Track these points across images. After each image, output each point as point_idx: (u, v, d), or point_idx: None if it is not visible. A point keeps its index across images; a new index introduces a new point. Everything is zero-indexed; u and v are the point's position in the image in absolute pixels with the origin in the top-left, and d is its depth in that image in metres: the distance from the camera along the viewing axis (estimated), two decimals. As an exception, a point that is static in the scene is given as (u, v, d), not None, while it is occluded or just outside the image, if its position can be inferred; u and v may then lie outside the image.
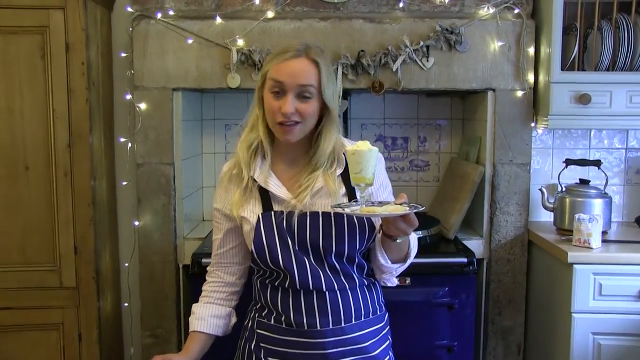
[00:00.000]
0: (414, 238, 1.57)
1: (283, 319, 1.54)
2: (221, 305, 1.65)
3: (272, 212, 1.53)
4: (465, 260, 2.34)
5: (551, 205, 2.53)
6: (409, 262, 1.58)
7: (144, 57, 2.43)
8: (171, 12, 2.44)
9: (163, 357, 1.50)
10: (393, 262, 1.55)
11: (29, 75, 2.30)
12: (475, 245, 2.53)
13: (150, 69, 2.44)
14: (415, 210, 1.38)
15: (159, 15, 2.42)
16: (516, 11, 2.45)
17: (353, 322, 1.53)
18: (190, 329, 1.62)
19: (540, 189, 2.58)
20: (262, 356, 1.56)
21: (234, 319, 1.67)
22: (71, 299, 2.40)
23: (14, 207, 2.35)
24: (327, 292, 1.50)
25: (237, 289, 1.68)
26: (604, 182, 2.52)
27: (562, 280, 2.28)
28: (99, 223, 2.45)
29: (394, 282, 1.63)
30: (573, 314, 2.22)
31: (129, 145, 2.55)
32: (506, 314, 2.57)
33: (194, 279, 2.37)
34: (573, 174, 2.64)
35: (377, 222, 1.54)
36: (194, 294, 2.38)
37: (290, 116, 1.49)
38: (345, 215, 1.49)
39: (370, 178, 1.42)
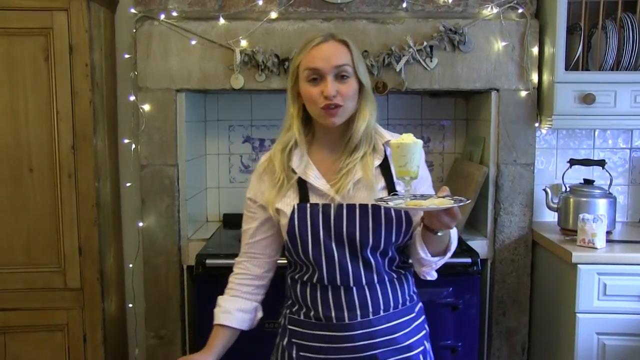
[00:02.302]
0: (454, 231, 1.55)
1: (312, 314, 1.55)
2: (248, 300, 1.64)
3: (308, 204, 1.53)
4: (469, 260, 2.34)
5: (555, 206, 2.53)
6: (449, 255, 1.56)
7: (147, 59, 2.44)
8: (174, 14, 2.44)
9: (185, 358, 1.51)
10: (433, 255, 1.54)
11: (32, 77, 2.30)
12: (479, 245, 2.52)
13: (153, 71, 2.44)
14: (460, 204, 1.37)
15: (162, 17, 2.42)
16: (520, 11, 2.45)
17: (381, 314, 1.53)
18: (216, 322, 1.61)
19: (545, 189, 2.57)
20: (294, 352, 1.58)
21: (259, 314, 1.66)
22: (76, 300, 2.41)
23: (19, 208, 2.35)
24: (354, 288, 1.51)
25: (263, 282, 1.67)
26: (609, 182, 2.52)
27: (566, 281, 2.28)
28: (103, 224, 2.45)
29: (433, 275, 1.62)
30: (577, 314, 2.22)
31: (133, 146, 2.55)
32: (510, 315, 2.57)
33: (198, 280, 2.37)
34: (577, 174, 2.64)
35: (417, 216, 1.53)
36: (198, 295, 2.40)
37: (333, 98, 1.49)
38: (382, 208, 1.49)
39: (415, 171, 1.41)
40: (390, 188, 1.55)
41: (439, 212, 1.38)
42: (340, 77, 1.52)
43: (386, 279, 1.55)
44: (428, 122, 2.94)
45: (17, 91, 2.31)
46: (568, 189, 2.54)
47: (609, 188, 2.50)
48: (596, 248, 2.23)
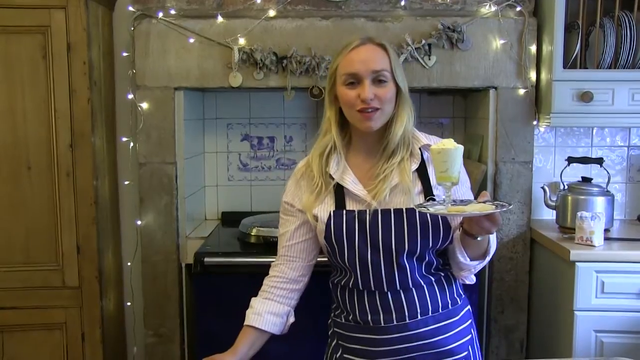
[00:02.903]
0: (493, 234, 1.54)
1: (351, 317, 1.56)
2: (280, 303, 1.61)
3: (344, 211, 1.53)
4: (467, 258, 2.34)
5: (553, 203, 2.53)
6: (488, 259, 1.56)
7: (145, 57, 2.43)
8: (173, 12, 2.44)
9: (209, 358, 1.50)
10: (472, 260, 1.54)
11: (30, 75, 2.30)
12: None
13: (152, 69, 2.44)
14: (502, 210, 1.36)
15: (161, 15, 2.42)
16: (518, 9, 2.45)
17: (419, 317, 1.52)
18: (245, 323, 1.59)
19: (543, 187, 2.58)
20: (339, 353, 1.59)
21: (291, 319, 1.64)
22: (74, 299, 2.41)
23: (17, 207, 2.35)
24: (389, 292, 1.51)
25: (298, 287, 1.64)
26: (607, 180, 2.52)
27: (564, 278, 2.28)
28: (101, 223, 2.45)
29: (472, 279, 1.61)
30: (575, 312, 2.22)
31: (131, 144, 2.55)
32: (509, 312, 2.57)
33: (196, 278, 2.37)
34: (575, 172, 2.64)
35: (455, 221, 1.52)
36: (197, 293, 2.40)
37: (370, 102, 1.49)
38: (417, 213, 1.48)
39: (456, 177, 1.40)
40: (427, 192, 1.54)
41: (480, 218, 1.37)
42: (378, 81, 1.51)
43: (422, 282, 1.53)
44: (426, 120, 2.93)
45: (15, 89, 2.30)
46: (566, 187, 2.54)
47: (607, 186, 2.50)
48: (594, 246, 2.23)
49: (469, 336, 1.60)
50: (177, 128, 2.49)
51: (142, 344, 2.61)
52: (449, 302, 1.57)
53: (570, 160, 2.61)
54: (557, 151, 2.82)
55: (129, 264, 2.65)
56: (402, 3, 2.45)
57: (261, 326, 1.57)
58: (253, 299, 1.63)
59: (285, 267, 1.63)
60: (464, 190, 1.61)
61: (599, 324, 2.22)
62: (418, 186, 1.55)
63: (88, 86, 2.32)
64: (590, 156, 2.75)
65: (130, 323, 2.74)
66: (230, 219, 2.88)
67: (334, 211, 1.53)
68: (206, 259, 2.32)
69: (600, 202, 2.42)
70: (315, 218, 1.56)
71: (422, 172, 1.56)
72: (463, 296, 1.64)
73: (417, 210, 1.46)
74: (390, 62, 1.53)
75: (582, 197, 2.44)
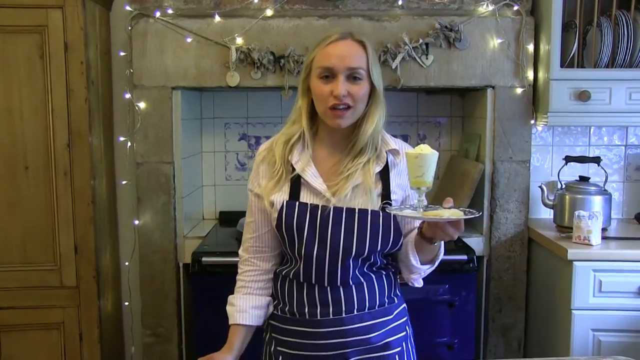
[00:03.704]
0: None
1: (287, 308, 1.56)
2: (260, 295, 1.62)
3: (297, 202, 1.52)
4: (465, 257, 2.35)
5: (551, 203, 2.53)
6: (437, 263, 1.57)
7: (143, 56, 2.43)
8: (170, 11, 2.43)
9: (206, 358, 1.50)
10: (423, 264, 1.55)
11: (28, 74, 2.30)
12: (476, 242, 2.53)
13: (149, 68, 2.44)
14: (472, 217, 1.38)
15: (158, 14, 2.42)
16: (515, 8, 2.45)
17: (355, 313, 1.52)
18: (232, 322, 1.59)
19: (540, 186, 2.58)
20: (273, 346, 1.59)
21: (271, 308, 1.64)
22: (72, 299, 2.41)
23: (14, 206, 2.35)
24: (328, 287, 1.51)
25: (272, 276, 1.64)
26: (604, 179, 2.52)
27: (562, 277, 2.29)
28: (99, 222, 2.45)
29: (420, 282, 1.62)
30: (573, 311, 2.23)
31: (129, 144, 2.55)
32: (506, 311, 2.58)
33: (194, 277, 2.37)
34: (573, 171, 2.64)
35: (411, 225, 1.54)
36: (194, 293, 2.40)
37: (343, 98, 1.48)
38: (369, 216, 1.49)
39: (430, 182, 1.42)
40: (386, 196, 1.54)
41: (445, 224, 1.38)
42: (353, 78, 1.50)
43: (363, 280, 1.54)
44: (424, 120, 2.94)
45: (12, 89, 2.30)
46: (563, 186, 2.54)
47: (604, 185, 2.51)
48: (592, 245, 2.24)
49: (404, 333, 1.61)
50: (175, 127, 2.49)
51: (139, 344, 2.61)
52: (386, 300, 1.58)
53: (568, 159, 2.61)
54: (554, 150, 2.83)
55: (126, 263, 2.65)
56: (400, 2, 2.45)
57: (249, 322, 1.59)
58: (231, 296, 1.64)
59: (257, 260, 1.63)
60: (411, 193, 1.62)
61: (597, 322, 2.23)
62: (378, 188, 1.55)
63: (85, 86, 2.32)
64: (587, 155, 2.76)
65: (128, 323, 2.74)
66: (227, 218, 2.88)
67: (286, 201, 1.53)
68: (204, 259, 2.33)
69: (597, 201, 2.43)
70: (271, 204, 1.55)
71: (384, 175, 1.56)
72: (399, 295, 1.65)
73: (369, 214, 1.48)
74: (368, 60, 1.52)
75: (580, 196, 2.44)
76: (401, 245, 1.55)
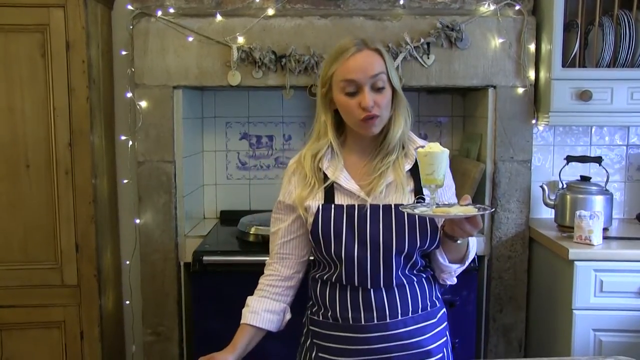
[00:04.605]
0: (474, 240, 1.57)
1: (330, 314, 1.55)
2: (276, 301, 1.62)
3: (333, 205, 1.54)
4: (466, 257, 2.34)
5: (552, 202, 2.53)
6: (467, 263, 1.58)
7: (144, 55, 2.43)
8: (171, 10, 2.43)
9: (207, 357, 1.50)
10: (451, 262, 1.56)
11: (29, 73, 2.30)
12: (477, 242, 2.52)
13: (150, 67, 2.44)
14: (484, 212, 1.38)
15: (160, 13, 2.42)
16: (517, 8, 2.45)
17: (399, 318, 1.52)
18: (242, 321, 1.60)
19: (541, 186, 2.58)
20: (314, 352, 1.58)
21: (288, 316, 1.64)
22: (73, 297, 2.41)
23: (15, 205, 2.35)
24: (371, 290, 1.51)
25: (293, 283, 1.65)
26: (605, 179, 2.52)
27: (563, 277, 2.28)
28: (100, 221, 2.45)
29: (453, 280, 1.63)
30: (574, 311, 2.22)
31: (130, 143, 2.55)
32: (507, 311, 2.58)
33: (195, 276, 2.37)
34: (574, 171, 2.64)
35: (439, 223, 1.54)
36: (195, 292, 2.40)
37: (371, 109, 1.50)
38: (406, 213, 1.48)
39: (442, 179, 1.42)
40: (418, 192, 1.55)
41: (461, 220, 1.39)
42: (377, 87, 1.52)
43: (405, 282, 1.53)
44: (425, 119, 2.94)
45: (13, 88, 2.30)
46: (565, 186, 2.54)
47: (605, 185, 2.50)
48: (593, 245, 2.24)
49: (444, 338, 1.61)
50: (176, 127, 2.49)
51: (140, 343, 2.61)
52: (429, 304, 1.58)
53: (569, 159, 2.61)
54: (555, 150, 2.82)
55: (127, 262, 2.65)
56: (401, 2, 2.45)
57: (259, 324, 1.59)
58: (249, 297, 1.64)
59: (279, 266, 1.64)
60: (449, 195, 1.62)
61: (598, 322, 2.22)
62: (411, 185, 1.56)
63: (87, 84, 2.32)
64: (589, 155, 2.75)
65: (128, 321, 2.74)
66: (228, 217, 2.88)
67: (322, 205, 1.54)
68: (205, 258, 2.33)
69: (599, 201, 2.43)
70: (306, 210, 1.56)
71: (414, 172, 1.57)
72: (441, 299, 1.65)
73: (406, 212, 1.48)
74: (386, 66, 1.55)
75: (581, 196, 2.44)
76: (439, 242, 1.54)
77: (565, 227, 2.44)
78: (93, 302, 2.42)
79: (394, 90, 1.57)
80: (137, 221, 2.51)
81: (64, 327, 2.42)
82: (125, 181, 2.63)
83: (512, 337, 2.59)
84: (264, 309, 1.60)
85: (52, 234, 2.37)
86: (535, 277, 2.56)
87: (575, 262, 2.20)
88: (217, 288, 2.34)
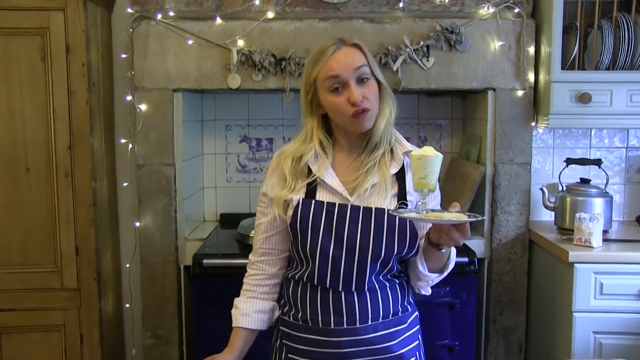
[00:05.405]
0: (454, 251, 1.56)
1: (300, 315, 1.55)
2: (265, 300, 1.62)
3: (313, 200, 1.53)
4: (466, 259, 2.35)
5: (552, 205, 2.53)
6: (445, 273, 1.57)
7: (144, 58, 2.43)
8: (171, 13, 2.44)
9: (209, 359, 1.51)
10: (430, 271, 1.55)
11: (29, 76, 2.30)
12: (477, 244, 2.53)
13: (150, 70, 2.44)
14: (476, 219, 1.38)
15: (159, 16, 2.42)
16: (516, 10, 2.45)
17: (369, 323, 1.51)
18: (235, 325, 1.60)
19: (541, 189, 2.58)
20: (284, 353, 1.58)
21: (277, 312, 1.65)
22: (72, 300, 2.40)
23: (15, 208, 2.35)
24: (342, 293, 1.50)
25: (278, 280, 1.65)
26: (605, 181, 2.52)
27: (563, 280, 2.28)
28: (100, 224, 2.45)
29: (428, 290, 1.62)
30: (574, 313, 2.22)
31: (130, 146, 2.55)
32: (507, 314, 2.57)
33: (195, 279, 2.37)
34: (574, 173, 2.64)
35: (423, 231, 1.53)
36: (195, 295, 2.40)
37: (360, 103, 1.49)
38: (386, 216, 1.48)
39: (434, 184, 1.42)
40: (401, 197, 1.54)
41: (450, 228, 1.38)
42: (361, 80, 1.52)
43: (378, 286, 1.53)
44: (425, 122, 2.94)
45: (13, 91, 2.30)
46: (564, 188, 2.54)
47: (605, 187, 2.50)
48: (593, 247, 2.24)
49: (416, 342, 1.61)
50: (176, 129, 2.49)
51: (140, 346, 2.61)
52: (400, 309, 1.57)
53: (569, 161, 2.61)
54: (555, 152, 2.83)
55: (127, 265, 2.65)
56: (401, 4, 2.46)
57: (251, 326, 1.59)
58: (237, 299, 1.64)
59: (263, 265, 1.64)
60: (435, 203, 1.62)
61: (598, 325, 2.22)
62: (395, 189, 1.55)
63: (87, 87, 2.32)
64: (588, 157, 2.75)
65: (128, 324, 2.74)
66: (228, 220, 2.88)
67: (302, 199, 1.53)
68: (205, 261, 2.33)
69: (598, 204, 2.43)
70: (287, 204, 1.55)
71: (400, 176, 1.56)
72: (412, 303, 1.64)
73: (385, 214, 1.47)
74: (367, 59, 1.55)
75: (581, 198, 2.44)
76: (417, 249, 1.53)
77: (565, 230, 2.45)
78: (93, 305, 2.42)
79: (379, 84, 1.56)
80: (137, 224, 2.51)
81: (64, 331, 2.42)
82: (125, 184, 2.63)
83: (512, 340, 2.59)
84: (255, 310, 1.60)
85: (52, 237, 2.37)
86: (535, 279, 2.56)
87: (575, 265, 2.20)
88: (217, 291, 2.33)
